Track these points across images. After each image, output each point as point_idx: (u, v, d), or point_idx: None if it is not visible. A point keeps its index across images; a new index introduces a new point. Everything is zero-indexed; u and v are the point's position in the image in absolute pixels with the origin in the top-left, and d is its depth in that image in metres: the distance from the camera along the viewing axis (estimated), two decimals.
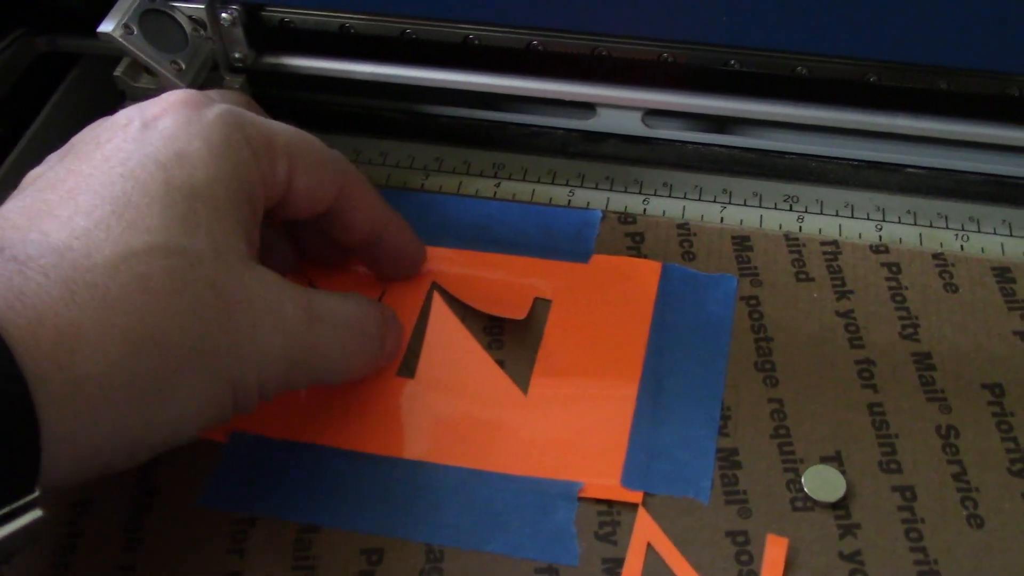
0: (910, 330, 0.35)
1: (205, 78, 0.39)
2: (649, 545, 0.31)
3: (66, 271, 0.26)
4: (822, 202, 0.40)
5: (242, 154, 0.30)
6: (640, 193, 0.41)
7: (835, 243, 0.38)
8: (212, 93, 0.34)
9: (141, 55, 0.36)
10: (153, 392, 0.27)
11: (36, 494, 0.25)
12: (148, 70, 0.37)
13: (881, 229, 0.39)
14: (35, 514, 0.25)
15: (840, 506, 0.31)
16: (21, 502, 0.25)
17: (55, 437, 0.25)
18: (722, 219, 0.39)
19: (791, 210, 0.40)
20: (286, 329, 0.30)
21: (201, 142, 0.29)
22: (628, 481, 0.32)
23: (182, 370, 0.27)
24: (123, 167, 0.28)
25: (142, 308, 0.26)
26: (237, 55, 0.40)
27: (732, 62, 0.38)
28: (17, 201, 0.28)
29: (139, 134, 0.29)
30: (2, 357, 0.24)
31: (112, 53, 0.38)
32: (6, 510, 0.24)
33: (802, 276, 0.37)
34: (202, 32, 0.38)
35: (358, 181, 0.34)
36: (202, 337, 0.27)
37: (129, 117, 0.30)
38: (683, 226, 0.39)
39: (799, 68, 0.37)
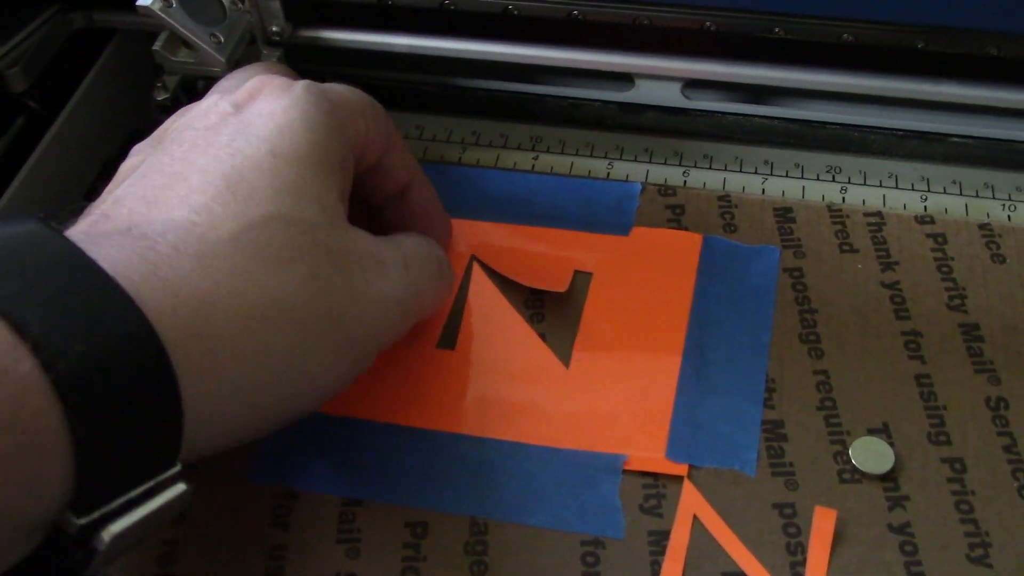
0: (957, 301, 0.35)
1: (243, 52, 0.39)
2: (695, 518, 0.30)
3: (195, 244, 0.26)
4: (865, 173, 0.39)
5: (334, 120, 0.31)
6: (680, 165, 0.40)
7: (879, 214, 0.38)
8: (256, 67, 0.34)
9: (180, 28, 0.36)
10: (284, 359, 0.27)
11: (178, 468, 0.25)
12: (187, 44, 0.37)
13: (926, 200, 0.38)
14: (178, 488, 0.25)
15: (888, 478, 0.31)
16: (166, 475, 0.25)
17: (195, 408, 0.25)
18: (763, 191, 0.39)
19: (834, 181, 0.39)
20: (390, 278, 0.30)
21: (298, 113, 0.30)
22: (673, 454, 0.32)
23: (310, 336, 0.28)
24: (229, 147, 0.29)
25: (267, 277, 0.27)
26: (275, 28, 0.40)
27: (777, 30, 0.37)
28: (125, 189, 0.28)
29: (234, 116, 0.30)
30: (144, 330, 0.24)
31: (149, 28, 0.38)
32: (151, 484, 0.24)
33: (846, 248, 0.37)
34: (240, 5, 0.38)
35: (394, 127, 0.35)
36: (325, 302, 0.28)
37: (216, 102, 0.31)
38: (724, 198, 0.39)
39: (845, 35, 0.37)
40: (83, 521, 0.23)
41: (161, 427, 0.24)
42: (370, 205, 0.36)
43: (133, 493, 0.24)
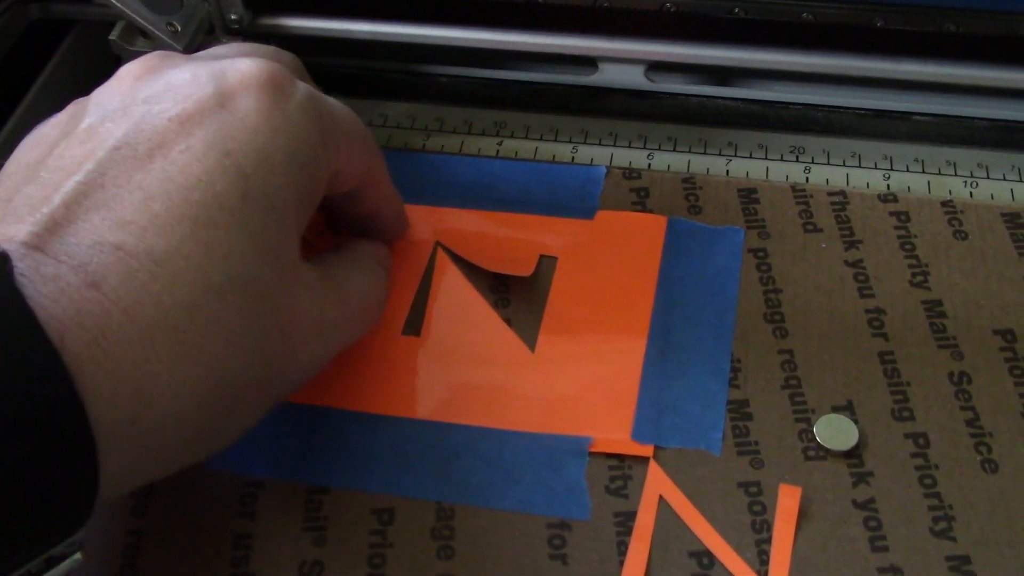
0: (920, 278, 0.35)
1: (200, 41, 0.38)
2: (661, 498, 0.30)
3: (149, 313, 0.24)
4: (829, 152, 0.39)
5: (317, 151, 0.28)
6: (644, 148, 0.40)
7: (842, 193, 0.38)
8: (262, 49, 0.32)
9: (136, 18, 0.36)
10: (214, 428, 0.27)
11: (79, 535, 0.24)
12: (144, 33, 0.37)
13: (889, 178, 0.38)
14: (75, 558, 0.25)
15: (853, 455, 0.31)
16: (65, 544, 0.24)
17: (113, 481, 0.24)
18: (728, 172, 0.39)
19: (797, 161, 0.39)
20: (327, 333, 0.30)
21: (284, 140, 0.27)
22: (639, 435, 0.32)
23: (242, 404, 0.27)
24: (201, 166, 0.26)
25: (215, 353, 0.25)
26: (233, 16, 0.39)
27: (736, 10, 0.37)
28: (83, 190, 0.25)
29: (214, 111, 0.27)
30: (77, 415, 0.22)
31: (106, 18, 0.38)
32: (51, 553, 0.24)
33: (810, 227, 0.37)
34: None
35: (381, 163, 0.33)
36: (265, 372, 0.27)
37: (197, 78, 0.27)
38: (688, 180, 0.39)
39: (804, 14, 0.37)
40: None
41: (70, 505, 0.23)
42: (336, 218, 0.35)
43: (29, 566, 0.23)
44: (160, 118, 0.26)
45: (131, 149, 0.26)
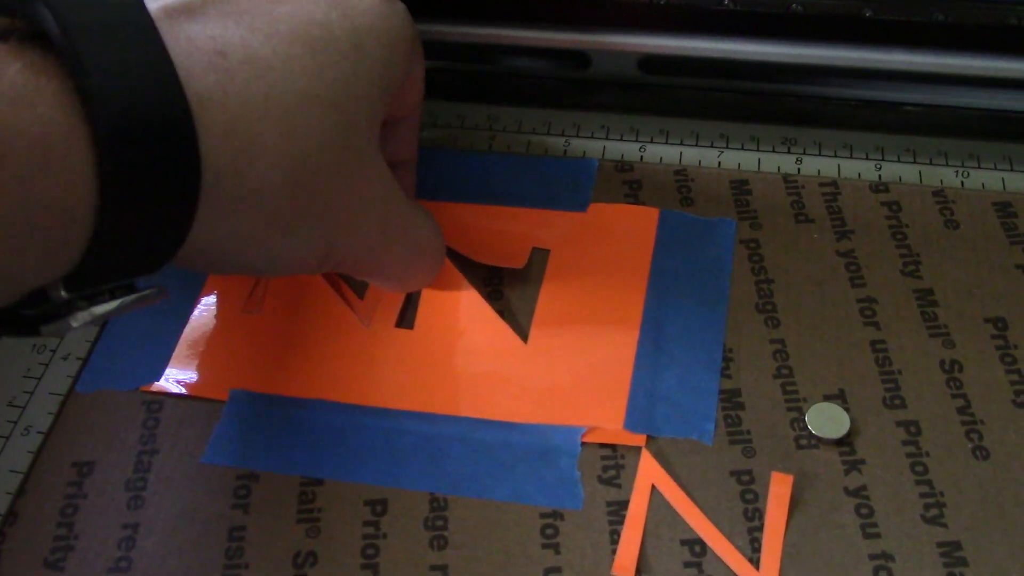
0: (911, 267, 0.35)
1: None
2: (653, 487, 0.31)
3: (267, 88, 0.26)
4: (820, 143, 0.39)
5: (408, 50, 0.31)
6: (636, 141, 0.40)
7: (834, 183, 0.38)
8: None
9: None
10: (283, 224, 0.28)
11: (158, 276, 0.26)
12: None
13: (880, 168, 0.38)
14: (155, 291, 0.27)
15: (845, 443, 0.31)
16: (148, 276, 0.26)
17: (201, 227, 0.25)
18: (720, 163, 0.39)
19: (789, 152, 0.39)
20: (384, 226, 0.31)
21: (397, 20, 0.30)
22: (631, 424, 0.32)
23: (312, 216, 0.28)
24: (322, 12, 0.28)
25: (310, 152, 0.27)
26: None
27: (726, 1, 0.37)
28: None
29: None
30: (192, 150, 0.24)
31: None
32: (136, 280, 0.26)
33: (801, 218, 0.37)
34: None
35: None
36: (337, 199, 0.29)
37: None
38: (680, 172, 0.39)
39: (794, 5, 0.37)
40: (68, 295, 0.24)
41: (175, 220, 0.25)
42: None
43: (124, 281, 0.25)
44: None
45: None
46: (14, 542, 0.31)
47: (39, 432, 0.33)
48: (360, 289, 0.36)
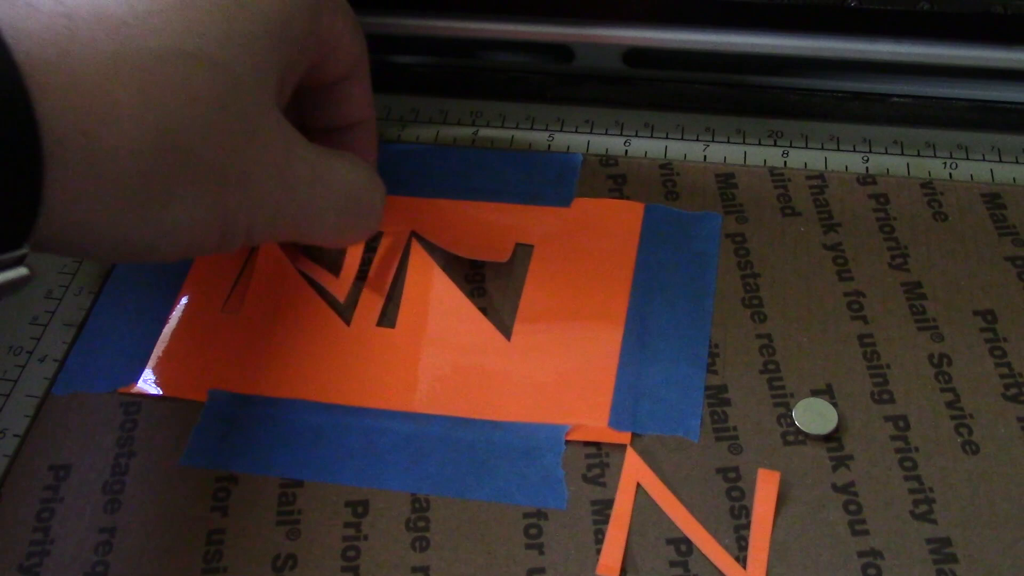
0: (899, 260, 0.35)
1: None
2: (639, 485, 0.30)
3: (117, 46, 0.25)
4: (807, 136, 0.39)
5: (315, 8, 0.29)
6: (621, 135, 0.40)
7: (821, 176, 0.37)
8: None
9: None
10: (157, 191, 0.26)
11: (25, 250, 0.24)
12: None
13: (868, 160, 0.38)
14: (21, 271, 0.24)
15: (832, 438, 0.31)
16: (11, 255, 0.24)
17: (56, 199, 0.24)
18: (705, 157, 0.39)
19: (775, 145, 0.39)
20: (287, 182, 0.29)
21: None
22: (616, 422, 0.31)
23: (190, 181, 0.26)
24: None
25: (177, 109, 0.26)
26: None
27: None
28: None
29: None
30: (25, 111, 0.23)
31: None
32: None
33: (788, 211, 0.37)
34: None
35: (368, 60, 0.33)
36: (219, 159, 0.27)
37: None
38: (666, 166, 0.38)
39: None
40: None
41: (15, 203, 0.23)
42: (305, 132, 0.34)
43: None
44: None
45: None
46: None
47: (15, 435, 0.33)
48: (335, 268, 0.36)
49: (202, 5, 0.26)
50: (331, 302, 0.35)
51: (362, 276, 0.36)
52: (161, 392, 0.33)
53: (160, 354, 0.34)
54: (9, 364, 0.34)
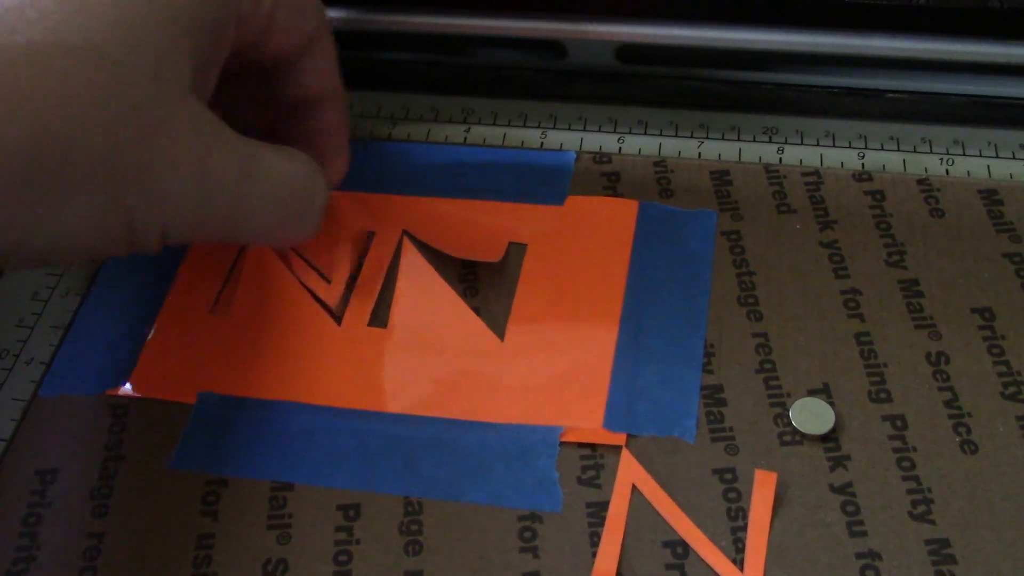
0: (896, 257, 0.34)
1: None
2: (634, 487, 0.30)
3: None
4: (802, 132, 0.38)
5: None
6: (615, 132, 0.39)
7: (816, 173, 0.37)
8: None
9: None
10: (43, 195, 0.25)
11: None
12: None
13: (864, 157, 0.37)
14: None
15: (830, 438, 0.30)
16: None
17: None
18: (700, 154, 0.38)
19: (770, 142, 0.38)
20: (208, 178, 0.27)
21: None
22: (611, 423, 0.31)
23: (79, 184, 0.25)
24: None
25: (53, 107, 0.24)
26: None
27: None
28: None
29: None
30: None
31: None
32: None
33: (784, 208, 0.36)
34: None
35: (327, 28, 0.32)
36: (109, 158, 0.25)
37: None
38: (660, 163, 0.38)
39: None
40: None
41: None
42: (269, 108, 0.33)
43: None
44: None
45: None
46: None
47: (1, 439, 0.32)
48: (326, 272, 0.35)
49: None
50: (322, 302, 0.35)
51: (353, 277, 0.35)
52: (150, 395, 0.33)
53: (148, 356, 0.34)
54: None
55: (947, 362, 0.32)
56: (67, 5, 0.25)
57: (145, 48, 0.26)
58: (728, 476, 0.30)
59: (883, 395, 0.31)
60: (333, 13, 0.39)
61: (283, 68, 0.32)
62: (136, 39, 0.26)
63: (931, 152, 0.37)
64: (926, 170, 0.37)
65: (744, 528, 0.29)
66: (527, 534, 0.29)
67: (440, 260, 0.35)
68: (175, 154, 0.27)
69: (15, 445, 0.32)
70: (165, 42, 0.26)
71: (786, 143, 0.38)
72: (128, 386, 0.33)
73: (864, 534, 0.28)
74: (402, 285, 0.35)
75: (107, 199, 0.26)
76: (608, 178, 0.38)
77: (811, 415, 0.30)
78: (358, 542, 0.29)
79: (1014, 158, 0.37)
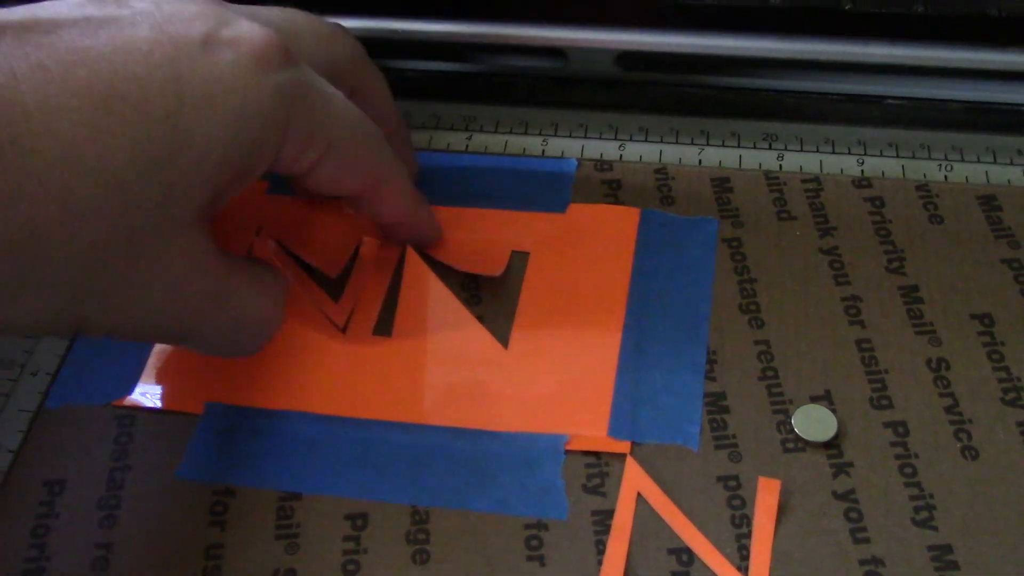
0: (896, 264, 0.35)
1: None
2: (639, 495, 0.30)
3: (11, 136, 0.23)
4: (802, 139, 0.39)
5: (269, 135, 0.28)
6: (616, 139, 0.39)
7: (816, 179, 0.37)
8: (274, 14, 0.31)
9: None
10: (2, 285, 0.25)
11: None
12: None
13: (863, 163, 0.38)
14: None
15: (832, 445, 0.30)
16: None
17: None
18: (700, 161, 0.38)
19: (770, 148, 0.39)
20: (174, 304, 0.28)
21: (237, 103, 0.27)
22: (615, 431, 0.31)
23: (38, 286, 0.25)
24: (147, 70, 0.25)
25: (50, 218, 0.24)
26: None
27: None
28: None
29: (193, 49, 0.26)
30: None
31: None
32: None
33: (784, 215, 0.36)
34: None
35: (390, 174, 0.32)
36: (81, 270, 0.26)
37: (203, 17, 0.27)
38: (661, 170, 0.38)
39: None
40: None
41: None
42: None
43: None
44: (145, 20, 0.26)
45: (109, 24, 0.26)
46: None
47: (9, 451, 0.32)
48: (335, 292, 0.35)
49: (125, 116, 0.25)
50: (326, 311, 0.35)
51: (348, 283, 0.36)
52: (156, 404, 0.33)
53: (154, 366, 0.34)
54: (1, 378, 0.34)
55: (947, 368, 0.32)
56: (86, 122, 0.25)
57: (160, 180, 0.26)
58: (732, 483, 0.30)
59: (884, 401, 0.31)
60: (332, 19, 0.39)
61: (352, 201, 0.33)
62: (154, 171, 0.26)
63: (930, 158, 0.38)
64: (925, 176, 0.37)
65: (748, 535, 0.29)
66: (533, 542, 0.29)
67: (443, 268, 0.35)
68: (152, 277, 0.27)
69: (22, 456, 0.32)
70: (182, 179, 0.26)
71: (786, 149, 0.38)
72: (134, 396, 0.33)
73: (867, 541, 0.29)
74: (405, 293, 0.35)
75: (63, 304, 0.26)
76: (609, 185, 0.38)
77: (813, 422, 0.31)
78: (366, 551, 0.30)
79: (1012, 164, 0.37)
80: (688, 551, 0.29)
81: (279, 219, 0.37)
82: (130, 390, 0.33)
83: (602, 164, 0.39)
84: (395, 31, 0.40)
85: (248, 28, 0.28)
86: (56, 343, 0.35)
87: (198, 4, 0.28)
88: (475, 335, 0.34)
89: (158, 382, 0.34)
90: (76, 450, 0.32)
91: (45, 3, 0.26)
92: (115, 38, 0.26)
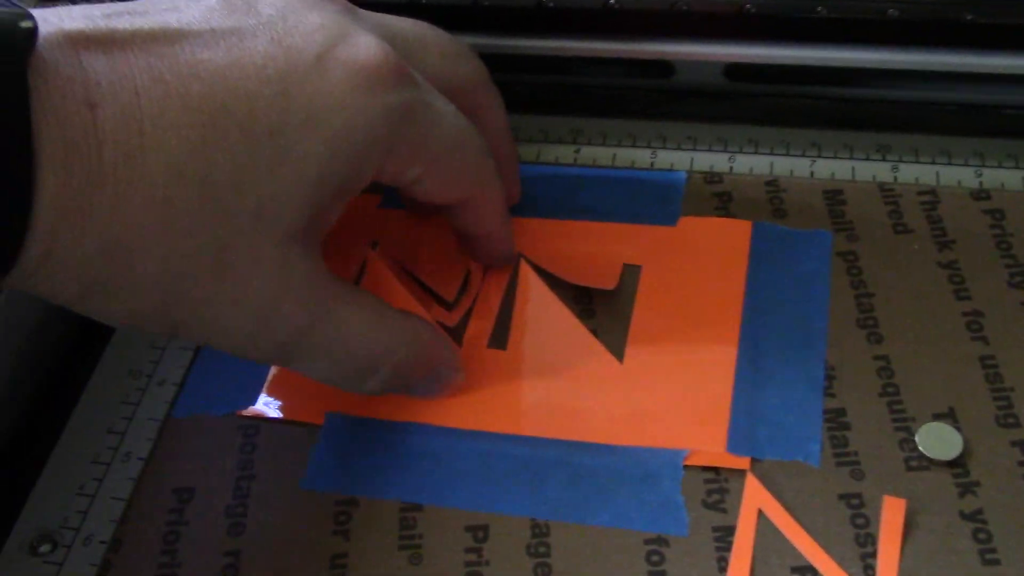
0: (1019, 278, 0.34)
1: None
2: (760, 511, 0.30)
3: (117, 156, 0.24)
4: (917, 150, 0.38)
5: (371, 154, 0.28)
6: (725, 151, 0.39)
7: (933, 192, 0.37)
8: (406, 25, 0.31)
9: None
10: (101, 289, 0.26)
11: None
12: None
13: (981, 175, 0.37)
14: None
15: (957, 464, 0.30)
16: None
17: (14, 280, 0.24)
18: (812, 173, 0.38)
19: (884, 160, 0.38)
20: (267, 323, 0.28)
21: (341, 122, 0.27)
22: (734, 447, 0.31)
23: (132, 291, 0.26)
24: (258, 86, 0.26)
25: (144, 226, 0.25)
26: None
27: (819, 8, 0.36)
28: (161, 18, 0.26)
29: (307, 64, 0.27)
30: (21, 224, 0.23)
31: None
32: None
33: (900, 228, 0.36)
34: None
35: (487, 191, 0.33)
36: (172, 279, 0.26)
37: (323, 32, 0.27)
38: (771, 183, 0.38)
39: (890, 11, 0.36)
40: None
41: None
42: None
43: None
44: (266, 32, 0.27)
45: (219, 35, 0.26)
46: (118, 570, 0.31)
47: (139, 459, 0.33)
48: (441, 292, 0.36)
49: (230, 130, 0.26)
50: (442, 323, 0.35)
51: (471, 298, 0.36)
52: (279, 415, 0.34)
53: (276, 376, 0.35)
54: (130, 387, 0.35)
55: None
56: (196, 136, 0.25)
57: (256, 194, 0.26)
58: (855, 501, 0.30)
59: (1011, 420, 0.31)
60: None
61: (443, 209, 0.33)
62: (251, 185, 0.26)
63: None
64: None
65: (873, 555, 0.29)
66: (655, 558, 0.29)
67: (556, 281, 0.36)
68: (242, 293, 0.27)
69: (152, 465, 0.33)
70: (278, 193, 0.27)
71: (900, 161, 0.38)
72: (258, 406, 0.34)
73: (997, 562, 0.28)
74: (520, 306, 0.35)
75: (155, 308, 0.27)
76: (719, 198, 0.38)
77: (938, 440, 0.30)
78: (488, 563, 0.30)
79: None
80: (812, 570, 0.29)
81: (391, 234, 0.38)
82: (253, 401, 0.34)
83: (712, 177, 0.39)
84: (503, 45, 0.40)
85: (366, 45, 0.28)
86: (181, 354, 0.36)
87: (323, 14, 0.28)
88: (590, 349, 0.34)
89: (279, 393, 0.34)
90: (203, 459, 0.33)
91: (181, 8, 0.27)
92: (233, 50, 0.26)
